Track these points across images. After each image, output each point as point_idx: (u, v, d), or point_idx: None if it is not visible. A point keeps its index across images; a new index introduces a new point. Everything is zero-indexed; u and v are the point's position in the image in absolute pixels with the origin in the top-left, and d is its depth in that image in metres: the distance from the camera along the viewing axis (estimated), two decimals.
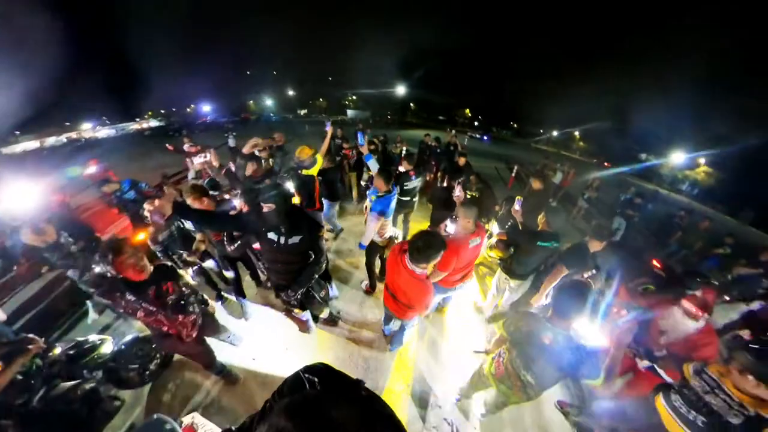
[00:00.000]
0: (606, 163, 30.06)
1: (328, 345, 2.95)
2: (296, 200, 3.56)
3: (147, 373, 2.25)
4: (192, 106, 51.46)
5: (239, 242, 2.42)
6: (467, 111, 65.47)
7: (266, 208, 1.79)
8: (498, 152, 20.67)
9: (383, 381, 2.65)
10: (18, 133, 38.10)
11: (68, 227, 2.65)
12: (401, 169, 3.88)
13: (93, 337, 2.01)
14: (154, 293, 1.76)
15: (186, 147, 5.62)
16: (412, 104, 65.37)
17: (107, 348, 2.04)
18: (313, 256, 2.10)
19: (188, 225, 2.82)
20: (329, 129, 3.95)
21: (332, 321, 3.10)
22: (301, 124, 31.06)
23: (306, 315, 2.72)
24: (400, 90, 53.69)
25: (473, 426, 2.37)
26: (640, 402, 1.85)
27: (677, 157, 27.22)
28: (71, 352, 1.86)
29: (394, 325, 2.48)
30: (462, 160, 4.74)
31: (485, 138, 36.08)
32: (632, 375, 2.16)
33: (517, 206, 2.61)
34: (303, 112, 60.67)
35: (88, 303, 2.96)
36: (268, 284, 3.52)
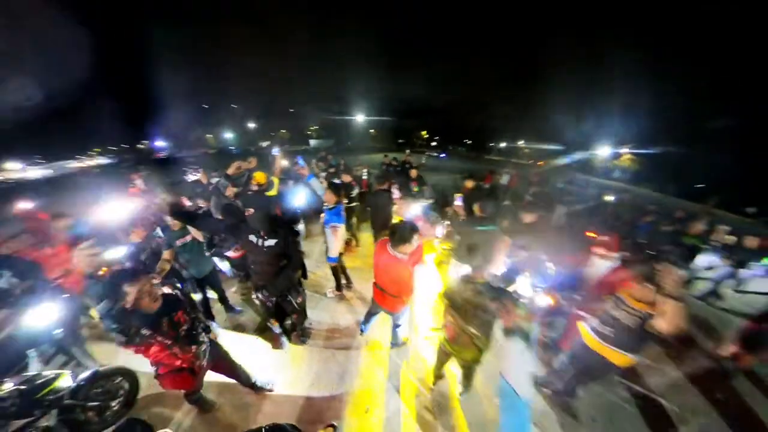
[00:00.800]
0: (539, 162, 34.59)
1: (302, 357, 2.98)
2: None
3: (108, 413, 2.11)
4: (145, 141, 48.52)
5: (215, 249, 2.50)
6: (424, 133, 69.79)
7: (248, 212, 1.97)
8: (455, 166, 22.27)
9: (360, 382, 2.73)
10: None
11: (11, 267, 2.48)
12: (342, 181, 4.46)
13: (47, 372, 1.88)
14: (168, 324, 1.61)
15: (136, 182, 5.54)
16: (372, 130, 68.23)
17: (64, 383, 1.90)
18: (286, 261, 2.28)
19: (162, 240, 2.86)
20: (277, 154, 4.41)
21: (304, 333, 3.15)
22: (264, 155, 30.86)
23: (278, 329, 2.79)
24: (360, 118, 56.61)
25: (453, 407, 2.53)
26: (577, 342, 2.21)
27: (603, 151, 33.00)
28: (23, 386, 1.72)
29: (373, 321, 2.66)
30: (414, 173, 5.31)
31: (442, 155, 38.97)
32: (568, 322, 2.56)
33: (457, 202, 3.05)
34: (265, 143, 60.18)
35: (30, 353, 2.69)
36: (237, 309, 3.53)
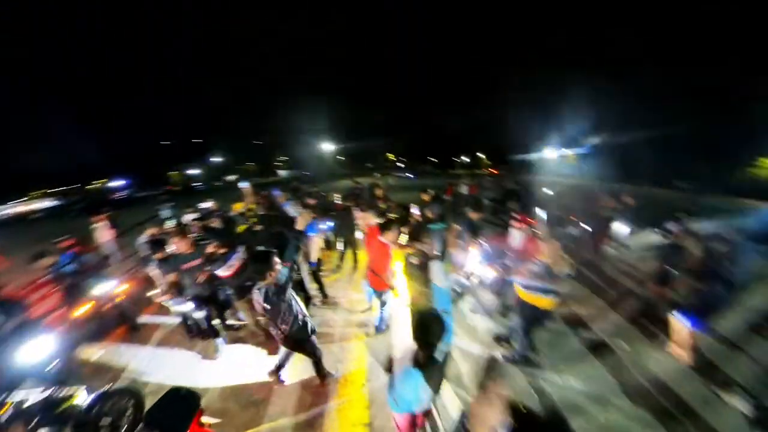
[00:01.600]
0: (494, 171, 39.68)
1: (300, 356, 3.20)
2: None
3: (119, 430, 2.18)
4: (101, 181, 44.35)
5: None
6: (390, 155, 72.88)
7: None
8: (422, 184, 23.64)
9: (353, 365, 3.03)
10: None
11: None
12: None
13: (65, 388, 1.96)
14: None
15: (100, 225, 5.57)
16: (340, 157, 69.76)
17: (80, 399, 1.99)
18: None
19: None
20: (245, 187, 5.00)
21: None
22: (233, 189, 30.07)
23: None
24: (328, 146, 57.99)
25: None
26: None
27: (551, 153, 38.30)
28: (45, 399, 1.81)
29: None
30: (380, 192, 6.01)
31: (411, 175, 40.99)
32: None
33: (413, 210, 3.74)
34: (232, 177, 58.79)
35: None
36: (235, 326, 3.73)
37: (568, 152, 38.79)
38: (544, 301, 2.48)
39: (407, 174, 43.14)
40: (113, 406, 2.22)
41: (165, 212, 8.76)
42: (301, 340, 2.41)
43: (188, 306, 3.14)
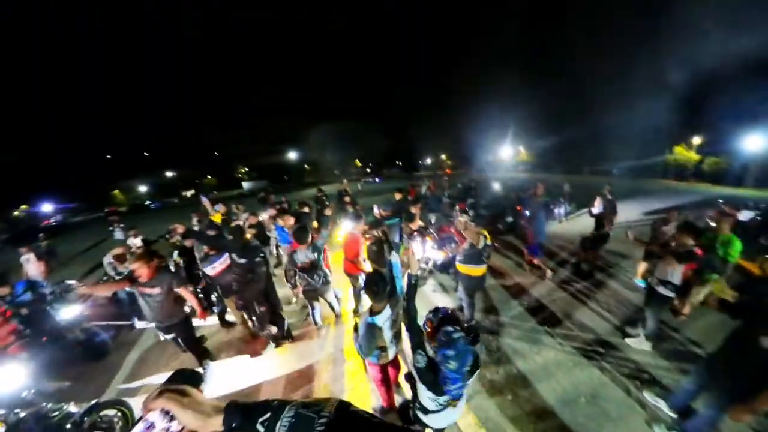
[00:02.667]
0: (448, 171, 43.64)
1: (285, 349, 3.47)
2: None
3: None
4: (23, 206, 38.25)
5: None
6: (357, 162, 73.43)
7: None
8: (388, 187, 24.52)
9: (331, 351, 3.33)
10: None
11: None
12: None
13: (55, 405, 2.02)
14: None
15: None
16: (306, 166, 68.52)
17: (73, 410, 2.07)
18: (252, 275, 2.94)
19: None
20: (205, 201, 5.15)
21: (286, 337, 3.58)
22: (192, 206, 27.79)
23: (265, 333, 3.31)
24: (293, 155, 56.65)
25: None
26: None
27: (505, 151, 42.09)
28: (39, 412, 1.92)
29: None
30: (348, 198, 6.48)
31: (378, 180, 42.03)
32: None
33: (375, 210, 4.29)
34: (189, 193, 54.70)
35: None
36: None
37: (520, 150, 43.43)
38: (476, 270, 3.17)
39: (375, 179, 44.16)
40: (102, 418, 2.28)
41: (118, 234, 8.23)
42: (324, 289, 3.44)
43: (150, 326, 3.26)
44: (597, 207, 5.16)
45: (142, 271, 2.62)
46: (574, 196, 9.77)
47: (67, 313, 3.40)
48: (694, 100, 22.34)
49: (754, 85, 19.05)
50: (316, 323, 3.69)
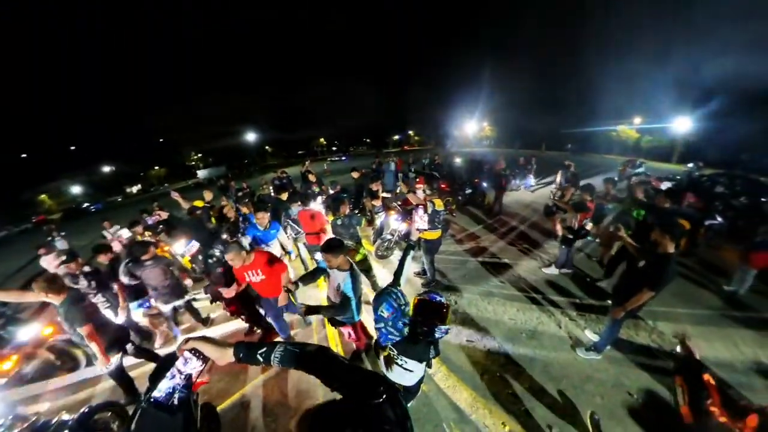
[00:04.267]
0: (405, 147, 45.96)
1: None
2: None
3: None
4: None
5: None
6: (322, 140, 70.51)
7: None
8: (358, 165, 24.38)
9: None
10: None
11: None
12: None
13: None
14: None
15: None
16: (267, 147, 64.57)
17: (66, 416, 2.15)
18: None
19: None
20: (175, 194, 5.17)
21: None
22: (141, 202, 25.10)
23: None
24: (251, 137, 52.44)
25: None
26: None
27: (469, 127, 43.50)
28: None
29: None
30: (312, 177, 6.63)
31: (344, 158, 41.23)
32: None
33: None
34: (135, 188, 49.49)
35: None
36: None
37: (485, 126, 44.89)
38: (431, 234, 3.64)
39: (342, 157, 43.23)
40: (98, 421, 2.35)
41: (59, 243, 7.55)
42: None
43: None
44: (559, 179, 6.36)
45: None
46: (539, 170, 11.19)
47: (26, 333, 3.26)
48: (637, 83, 24.74)
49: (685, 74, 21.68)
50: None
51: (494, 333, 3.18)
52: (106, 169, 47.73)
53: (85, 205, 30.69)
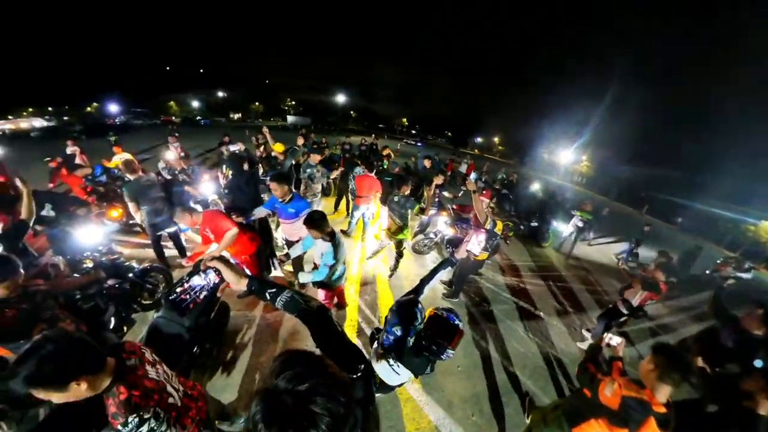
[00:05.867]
0: (484, 153, 41.59)
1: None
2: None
3: (155, 295, 3.05)
4: (94, 104, 43.80)
5: None
6: (404, 120, 70.81)
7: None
8: (426, 154, 23.95)
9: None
10: None
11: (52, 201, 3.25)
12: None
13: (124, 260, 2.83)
14: None
15: (69, 150, 6.02)
16: (352, 112, 67.63)
17: (135, 265, 2.90)
18: None
19: None
20: (266, 130, 5.58)
21: None
22: (238, 129, 29.12)
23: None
24: (341, 98, 55.79)
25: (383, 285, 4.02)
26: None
27: (564, 156, 37.49)
28: (116, 259, 2.80)
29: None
30: (387, 151, 7.31)
31: (420, 143, 40.93)
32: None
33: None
34: (237, 116, 57.45)
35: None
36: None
37: (583, 160, 38.74)
38: (482, 256, 3.39)
39: (418, 142, 42.94)
40: (153, 277, 3.10)
41: (171, 142, 9.23)
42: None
43: None
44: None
45: None
46: (607, 223, 8.78)
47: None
48: None
49: None
50: None
51: (493, 379, 2.89)
52: (220, 94, 56.51)
53: (198, 117, 37.13)
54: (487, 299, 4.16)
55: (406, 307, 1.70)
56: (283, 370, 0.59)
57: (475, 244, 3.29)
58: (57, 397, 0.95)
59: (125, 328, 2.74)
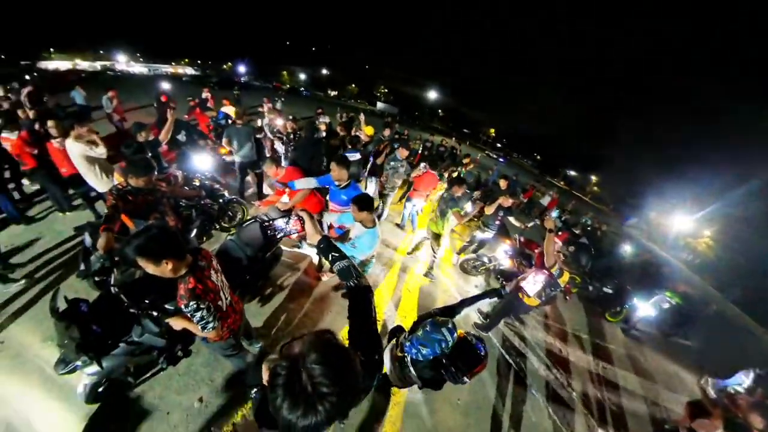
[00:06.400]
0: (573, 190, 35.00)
1: None
2: None
3: (233, 221, 3.80)
4: (229, 63, 53.46)
5: None
6: (492, 131, 66.84)
7: None
8: (505, 172, 22.22)
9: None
10: (52, 50, 40.20)
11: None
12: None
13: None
14: None
15: (204, 95, 7.48)
16: (440, 111, 66.63)
17: (225, 195, 3.69)
18: None
19: None
20: (362, 116, 5.83)
21: None
22: (331, 104, 31.14)
23: None
24: (432, 94, 55.29)
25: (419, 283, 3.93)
26: None
27: (680, 223, 27.30)
28: (212, 186, 3.59)
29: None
30: (467, 160, 7.21)
31: (502, 159, 38.18)
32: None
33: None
34: (333, 93, 62.38)
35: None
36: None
37: (704, 235, 28.34)
38: (530, 299, 3.01)
39: (500, 158, 39.99)
40: (234, 208, 3.82)
41: (278, 105, 10.62)
42: None
43: None
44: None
45: None
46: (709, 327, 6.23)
47: None
48: None
49: None
50: None
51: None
52: (324, 71, 62.04)
53: (301, 89, 41.61)
54: (518, 350, 3.66)
55: (440, 330, 1.56)
56: (319, 356, 0.67)
57: (531, 283, 2.95)
58: (151, 269, 1.31)
59: (204, 239, 3.47)
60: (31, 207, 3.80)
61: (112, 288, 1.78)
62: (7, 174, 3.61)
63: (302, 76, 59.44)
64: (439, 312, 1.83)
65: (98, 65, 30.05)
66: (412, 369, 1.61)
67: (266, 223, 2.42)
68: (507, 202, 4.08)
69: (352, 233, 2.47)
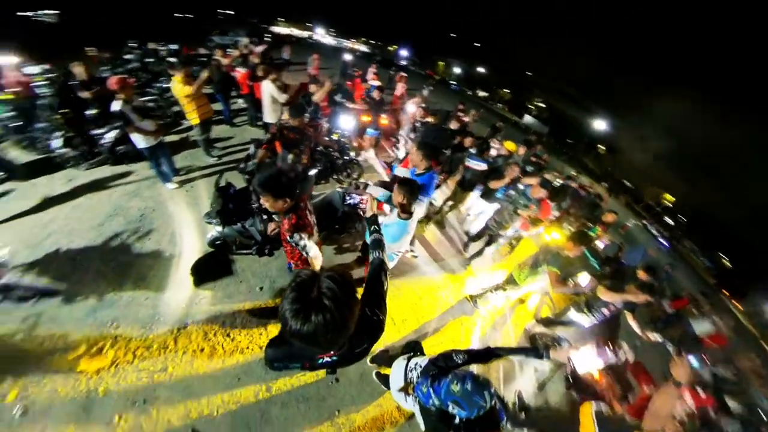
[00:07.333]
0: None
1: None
2: None
3: (347, 178, 4.49)
4: (394, 46, 58.63)
5: None
6: (668, 197, 49.69)
7: None
8: (656, 262, 16.84)
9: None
10: (281, 20, 53.33)
11: None
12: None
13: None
14: None
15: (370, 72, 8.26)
16: (601, 147, 52.33)
17: (351, 154, 4.44)
18: None
19: None
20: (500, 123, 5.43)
21: None
22: (476, 103, 28.84)
23: None
24: (600, 125, 41.17)
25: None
26: None
27: None
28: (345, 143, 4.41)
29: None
30: (610, 218, 5.66)
31: (666, 244, 25.30)
32: None
33: None
34: (483, 94, 60.05)
35: None
36: None
37: None
38: None
39: (665, 240, 26.72)
40: (353, 166, 4.52)
41: (425, 92, 11.08)
42: None
43: None
44: None
45: None
46: None
47: None
48: None
49: None
50: None
51: None
52: (479, 69, 60.32)
53: (452, 82, 42.48)
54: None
55: (482, 392, 1.31)
56: (333, 277, 0.86)
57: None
58: (269, 204, 1.75)
59: (322, 182, 4.27)
60: (237, 116, 6.20)
61: (251, 187, 2.60)
62: (233, 93, 5.85)
63: (457, 70, 59.34)
64: (470, 358, 1.64)
65: (305, 34, 39.93)
66: (419, 414, 1.55)
67: (347, 193, 3.13)
68: (638, 297, 3.07)
69: (384, 218, 2.31)
